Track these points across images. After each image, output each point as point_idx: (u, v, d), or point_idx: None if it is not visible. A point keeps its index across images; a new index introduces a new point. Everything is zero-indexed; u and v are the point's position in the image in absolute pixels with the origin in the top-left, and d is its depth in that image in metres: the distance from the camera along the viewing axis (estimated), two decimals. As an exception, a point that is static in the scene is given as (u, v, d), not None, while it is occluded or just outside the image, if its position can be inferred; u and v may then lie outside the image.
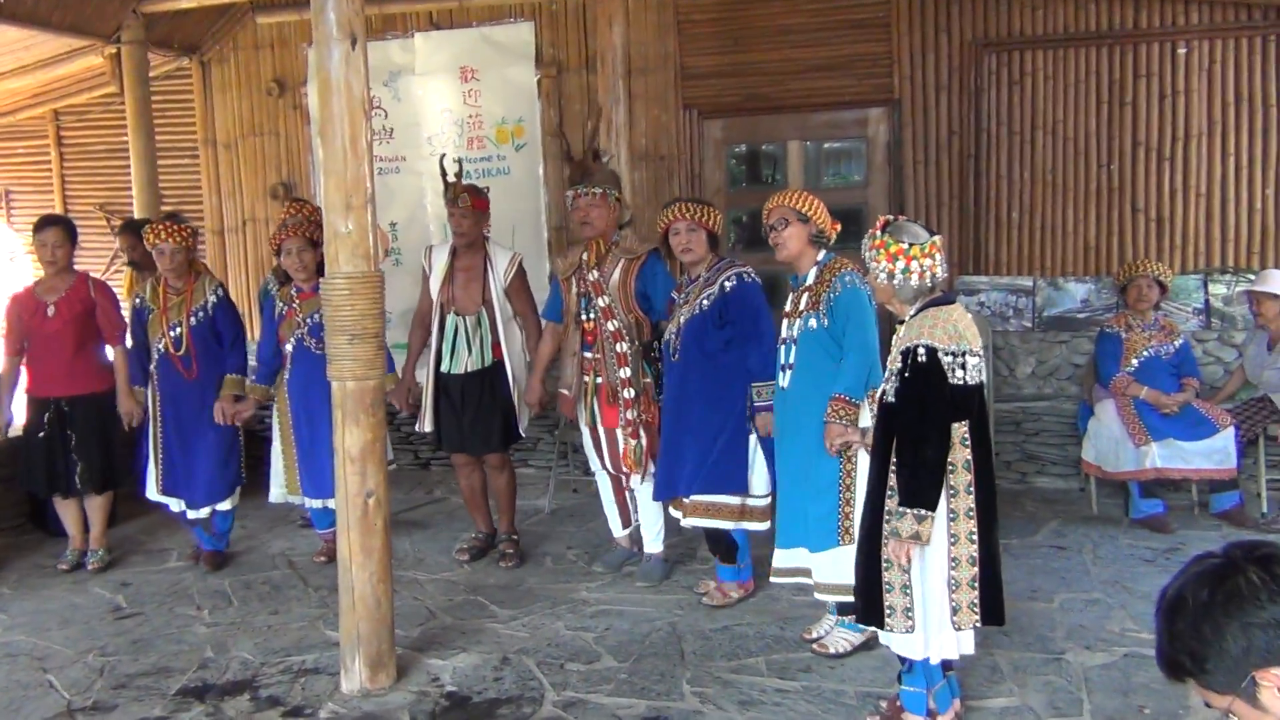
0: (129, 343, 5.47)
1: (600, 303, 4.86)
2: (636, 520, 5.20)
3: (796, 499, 4.09)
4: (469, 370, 5.18)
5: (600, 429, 4.96)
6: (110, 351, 5.55)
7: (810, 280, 4.05)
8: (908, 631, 3.29)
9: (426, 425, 5.33)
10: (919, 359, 3.17)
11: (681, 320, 4.52)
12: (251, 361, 5.43)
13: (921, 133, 6.80)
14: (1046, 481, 6.30)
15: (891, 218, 3.38)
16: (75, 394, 5.38)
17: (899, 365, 3.22)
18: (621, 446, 4.87)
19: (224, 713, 3.80)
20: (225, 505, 5.44)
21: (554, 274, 5.30)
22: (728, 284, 4.44)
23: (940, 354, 3.16)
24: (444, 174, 5.30)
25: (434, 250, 5.39)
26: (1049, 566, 4.96)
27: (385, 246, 5.66)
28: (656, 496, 4.77)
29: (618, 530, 5.22)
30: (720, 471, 4.46)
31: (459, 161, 5.53)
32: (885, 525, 3.24)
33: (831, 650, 4.03)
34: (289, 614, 4.76)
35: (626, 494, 5.16)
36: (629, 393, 4.82)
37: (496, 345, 5.19)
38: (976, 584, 3.26)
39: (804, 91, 6.92)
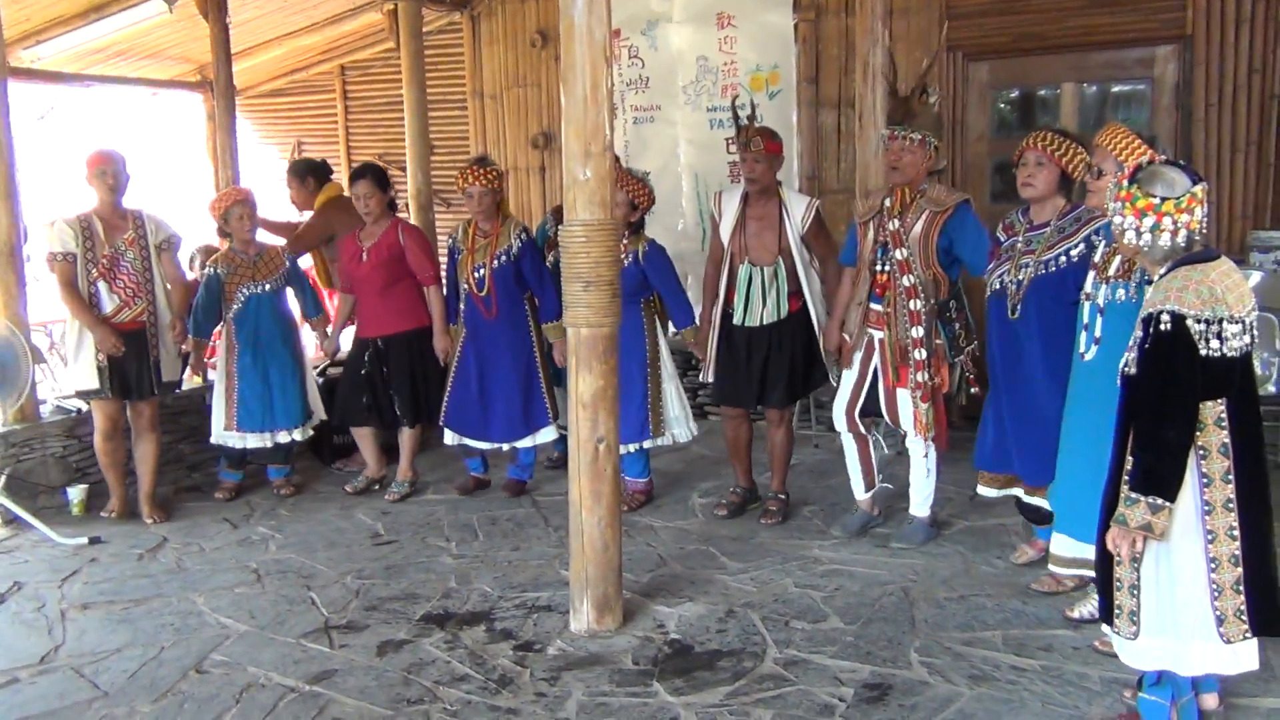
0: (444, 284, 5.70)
1: (897, 255, 4.55)
2: (880, 481, 5.07)
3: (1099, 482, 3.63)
4: (763, 323, 5.06)
5: (880, 385, 4.72)
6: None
7: None
8: (1131, 637, 3.00)
9: (710, 374, 5.26)
10: (1163, 327, 2.80)
11: (1023, 276, 4.08)
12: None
13: (1216, 72, 6.14)
14: (1349, 463, 5.63)
15: (1146, 160, 2.98)
16: (387, 333, 5.72)
17: (1140, 334, 2.88)
18: (911, 410, 4.61)
19: (461, 641, 3.98)
20: (525, 443, 5.66)
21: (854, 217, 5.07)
22: (1096, 239, 3.81)
23: (1190, 321, 2.79)
24: (736, 118, 5.21)
25: (724, 196, 5.23)
26: (1343, 558, 4.43)
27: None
28: (980, 465, 4.42)
29: (860, 493, 5.04)
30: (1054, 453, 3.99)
31: (752, 104, 5.42)
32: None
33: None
34: (528, 551, 4.93)
35: (873, 456, 5.00)
36: (920, 354, 4.53)
37: (793, 297, 5.04)
38: (1241, 587, 2.89)
39: (1081, 29, 6.39)
